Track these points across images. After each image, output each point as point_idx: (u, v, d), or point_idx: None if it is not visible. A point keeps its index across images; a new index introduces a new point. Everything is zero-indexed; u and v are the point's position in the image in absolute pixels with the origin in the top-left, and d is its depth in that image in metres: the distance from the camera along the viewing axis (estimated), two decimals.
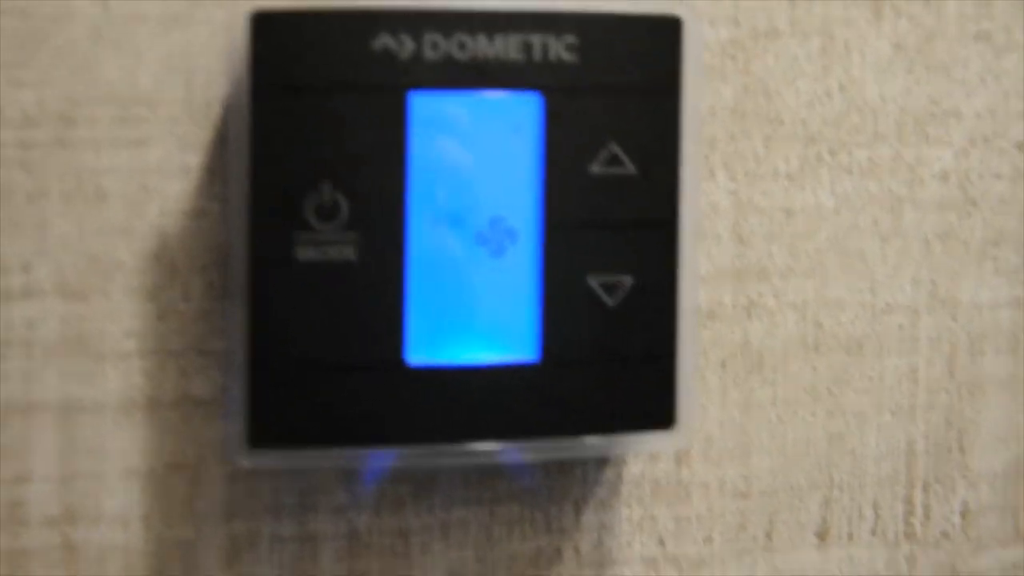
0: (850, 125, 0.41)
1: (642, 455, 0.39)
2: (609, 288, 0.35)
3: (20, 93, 0.35)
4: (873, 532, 0.42)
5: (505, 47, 0.34)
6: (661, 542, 0.40)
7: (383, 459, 0.36)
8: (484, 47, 0.34)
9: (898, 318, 0.42)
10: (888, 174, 0.41)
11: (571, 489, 0.39)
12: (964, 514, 0.43)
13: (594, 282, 0.35)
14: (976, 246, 0.42)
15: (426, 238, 0.34)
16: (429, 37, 0.34)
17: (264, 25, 0.33)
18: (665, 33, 0.35)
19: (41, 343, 0.35)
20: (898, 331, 0.42)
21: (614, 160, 0.35)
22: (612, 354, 0.35)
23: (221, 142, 0.36)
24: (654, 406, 0.36)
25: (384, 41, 0.33)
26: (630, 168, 0.35)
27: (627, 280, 0.35)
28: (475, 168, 0.35)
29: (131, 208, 0.36)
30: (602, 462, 0.39)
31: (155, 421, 0.36)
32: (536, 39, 0.34)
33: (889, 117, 0.41)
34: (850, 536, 0.41)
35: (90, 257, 0.35)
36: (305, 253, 0.33)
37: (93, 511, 0.36)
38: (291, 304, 0.33)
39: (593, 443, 0.36)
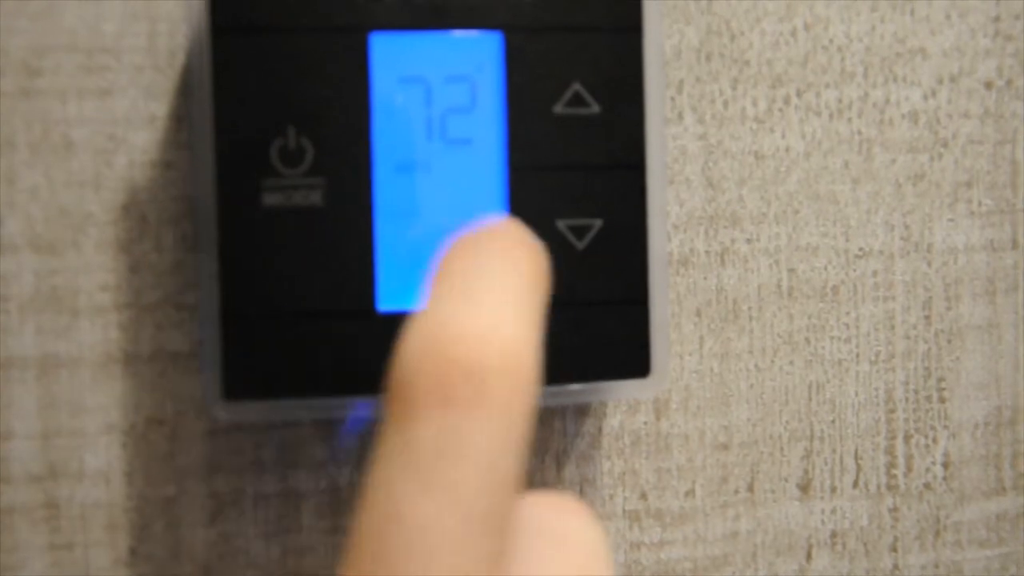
0: (816, 65, 0.40)
1: (621, 407, 0.39)
2: (578, 231, 0.35)
3: None
4: (855, 484, 0.41)
5: None
6: (643, 496, 0.40)
7: (360, 411, 0.36)
8: None
9: (872, 263, 0.41)
10: (857, 115, 0.41)
11: (552, 442, 0.39)
12: (946, 465, 0.42)
13: (562, 224, 0.35)
14: (948, 188, 0.42)
15: (392, 182, 0.34)
16: None
17: None
18: None
19: (16, 298, 0.35)
20: (872, 277, 0.41)
21: (578, 100, 0.34)
22: (584, 298, 0.35)
23: (186, 91, 0.36)
24: (628, 352, 0.35)
25: None
26: (594, 108, 0.35)
27: (596, 223, 0.35)
28: (438, 110, 0.34)
29: (99, 159, 0.36)
30: (581, 414, 0.39)
31: (133, 376, 0.36)
32: None
33: (855, 56, 0.41)
34: (833, 488, 0.41)
35: (60, 209, 0.35)
36: (272, 199, 0.33)
37: (75, 468, 0.36)
38: (260, 251, 0.33)
39: (567, 390, 0.36)
